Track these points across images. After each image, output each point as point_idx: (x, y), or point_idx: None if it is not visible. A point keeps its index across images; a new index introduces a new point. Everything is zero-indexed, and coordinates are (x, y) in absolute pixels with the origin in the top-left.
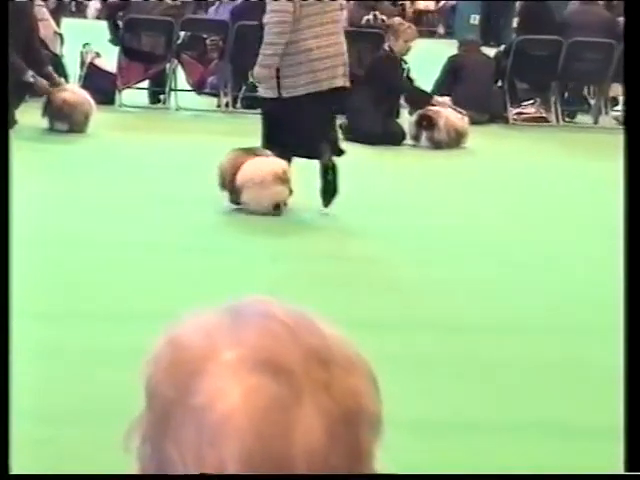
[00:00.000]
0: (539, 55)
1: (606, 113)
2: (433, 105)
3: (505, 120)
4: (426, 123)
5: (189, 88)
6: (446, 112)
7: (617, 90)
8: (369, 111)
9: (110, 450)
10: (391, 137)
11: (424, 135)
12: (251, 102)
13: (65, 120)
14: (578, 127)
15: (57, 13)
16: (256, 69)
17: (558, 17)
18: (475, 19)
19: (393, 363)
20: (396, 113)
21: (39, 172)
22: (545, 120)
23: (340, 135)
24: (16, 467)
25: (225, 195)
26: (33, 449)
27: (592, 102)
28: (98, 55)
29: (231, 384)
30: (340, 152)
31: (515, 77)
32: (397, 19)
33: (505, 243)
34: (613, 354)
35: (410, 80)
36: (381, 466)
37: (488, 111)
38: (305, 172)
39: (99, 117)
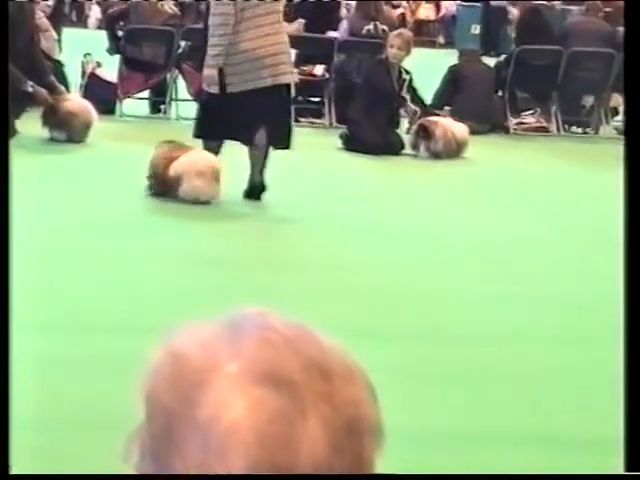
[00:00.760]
0: (539, 65)
1: (607, 123)
2: (434, 115)
3: (505, 130)
4: (424, 133)
5: (190, 98)
6: (445, 122)
7: (617, 100)
8: (368, 121)
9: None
10: (390, 147)
11: (422, 145)
12: None
13: (65, 130)
14: (578, 137)
15: (57, 22)
16: (205, 71)
17: (557, 28)
18: (476, 29)
19: (392, 373)
20: (396, 123)
21: (39, 182)
22: (545, 130)
23: (341, 145)
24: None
25: (150, 184)
26: (33, 458)
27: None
28: (99, 65)
29: (235, 396)
30: (288, 145)
31: (515, 87)
32: (401, 31)
33: (504, 253)
34: (614, 364)
35: (414, 90)
36: None
37: (488, 121)
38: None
39: (99, 127)
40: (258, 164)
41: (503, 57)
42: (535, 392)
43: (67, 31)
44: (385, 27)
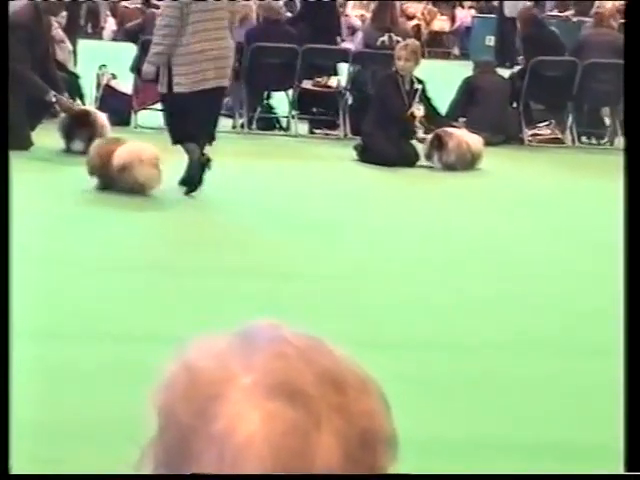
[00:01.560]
0: (554, 76)
1: (622, 134)
2: (448, 125)
3: (520, 141)
4: (438, 144)
5: None
6: (459, 133)
7: None
8: (381, 133)
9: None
10: (404, 158)
11: (436, 156)
12: (266, 123)
13: (82, 141)
14: (593, 148)
15: (72, 34)
16: (144, 66)
17: (572, 40)
18: (490, 40)
19: (405, 383)
20: (410, 134)
21: (53, 193)
22: (560, 141)
23: (356, 156)
24: None
25: (95, 180)
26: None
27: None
28: (114, 77)
29: (249, 409)
30: (212, 140)
31: (530, 98)
32: (408, 42)
33: (517, 264)
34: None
35: (427, 99)
36: None
37: (503, 132)
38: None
39: None
40: (196, 159)
41: (517, 69)
42: (546, 400)
43: (82, 42)
44: (400, 39)
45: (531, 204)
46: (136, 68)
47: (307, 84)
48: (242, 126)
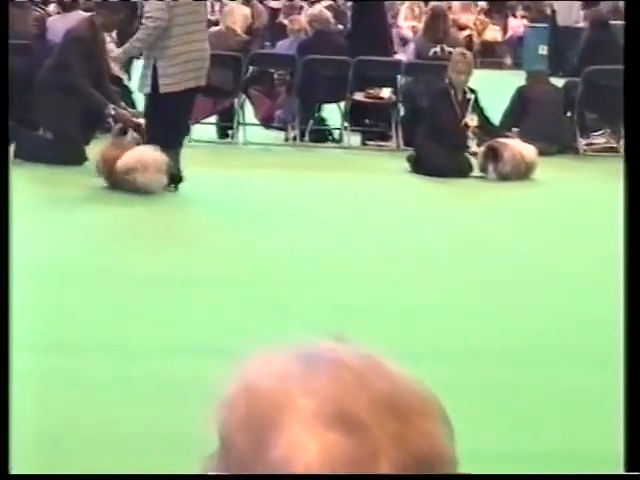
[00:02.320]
0: (609, 85)
1: None
2: (502, 135)
3: (575, 151)
4: (492, 154)
5: (257, 122)
6: (513, 144)
7: None
8: (434, 144)
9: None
10: (458, 169)
11: (490, 167)
12: (319, 135)
13: None
14: None
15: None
16: (119, 53)
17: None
18: (543, 49)
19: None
20: (464, 145)
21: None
22: (616, 150)
23: (409, 168)
24: None
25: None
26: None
27: None
28: None
29: (307, 439)
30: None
31: (585, 108)
32: (457, 50)
33: (573, 276)
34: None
35: (480, 109)
36: None
37: (557, 142)
38: None
39: None
40: (176, 158)
41: (571, 78)
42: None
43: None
44: (452, 49)
45: (586, 214)
46: None
47: (359, 96)
48: (294, 138)
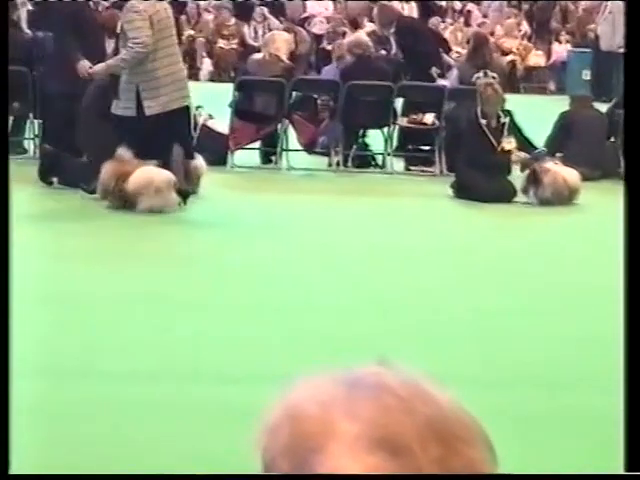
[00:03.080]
0: None
1: None
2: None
3: (619, 176)
4: (533, 179)
5: (300, 148)
6: (555, 168)
7: None
8: (475, 169)
9: None
10: (501, 194)
11: (531, 191)
12: (362, 161)
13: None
14: None
15: None
16: (100, 67)
17: None
18: (587, 75)
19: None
20: (506, 170)
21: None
22: None
23: (452, 193)
24: None
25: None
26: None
27: None
28: (211, 117)
29: (351, 463)
30: (193, 156)
31: None
32: (482, 81)
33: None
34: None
35: (518, 129)
36: None
37: (600, 167)
38: None
39: (211, 178)
40: (180, 175)
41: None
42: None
43: None
44: (495, 75)
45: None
46: (235, 110)
47: (402, 121)
48: (338, 164)
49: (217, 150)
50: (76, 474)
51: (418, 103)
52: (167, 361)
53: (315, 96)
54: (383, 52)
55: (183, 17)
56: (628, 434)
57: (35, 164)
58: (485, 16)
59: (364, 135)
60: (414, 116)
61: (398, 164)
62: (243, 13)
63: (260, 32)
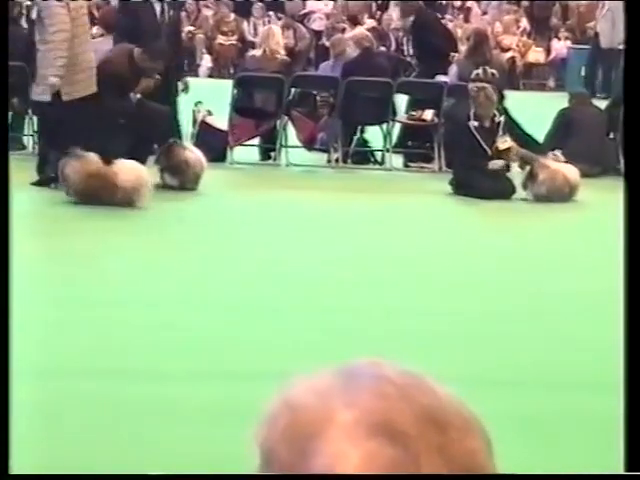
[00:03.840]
0: None
1: None
2: (541, 153)
3: (618, 172)
4: (530, 176)
5: (299, 144)
6: (554, 165)
7: None
8: (474, 167)
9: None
10: (500, 191)
11: (529, 188)
12: (361, 157)
13: (178, 177)
14: None
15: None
16: (50, 79)
17: None
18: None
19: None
20: (506, 167)
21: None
22: None
23: (451, 190)
24: None
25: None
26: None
27: None
28: (210, 113)
29: (349, 448)
30: None
31: None
32: (473, 86)
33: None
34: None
35: (515, 125)
36: None
37: (600, 164)
38: None
39: (211, 174)
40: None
41: (613, 98)
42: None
43: None
44: (494, 71)
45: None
46: (234, 106)
47: (402, 117)
48: (337, 160)
49: (216, 146)
50: (76, 474)
51: (417, 100)
52: (167, 361)
53: (314, 92)
54: (382, 48)
55: (183, 13)
56: (628, 434)
57: (34, 160)
58: (485, 13)
59: (363, 131)
60: (413, 113)
61: (397, 160)
62: (242, 9)
63: (259, 28)
